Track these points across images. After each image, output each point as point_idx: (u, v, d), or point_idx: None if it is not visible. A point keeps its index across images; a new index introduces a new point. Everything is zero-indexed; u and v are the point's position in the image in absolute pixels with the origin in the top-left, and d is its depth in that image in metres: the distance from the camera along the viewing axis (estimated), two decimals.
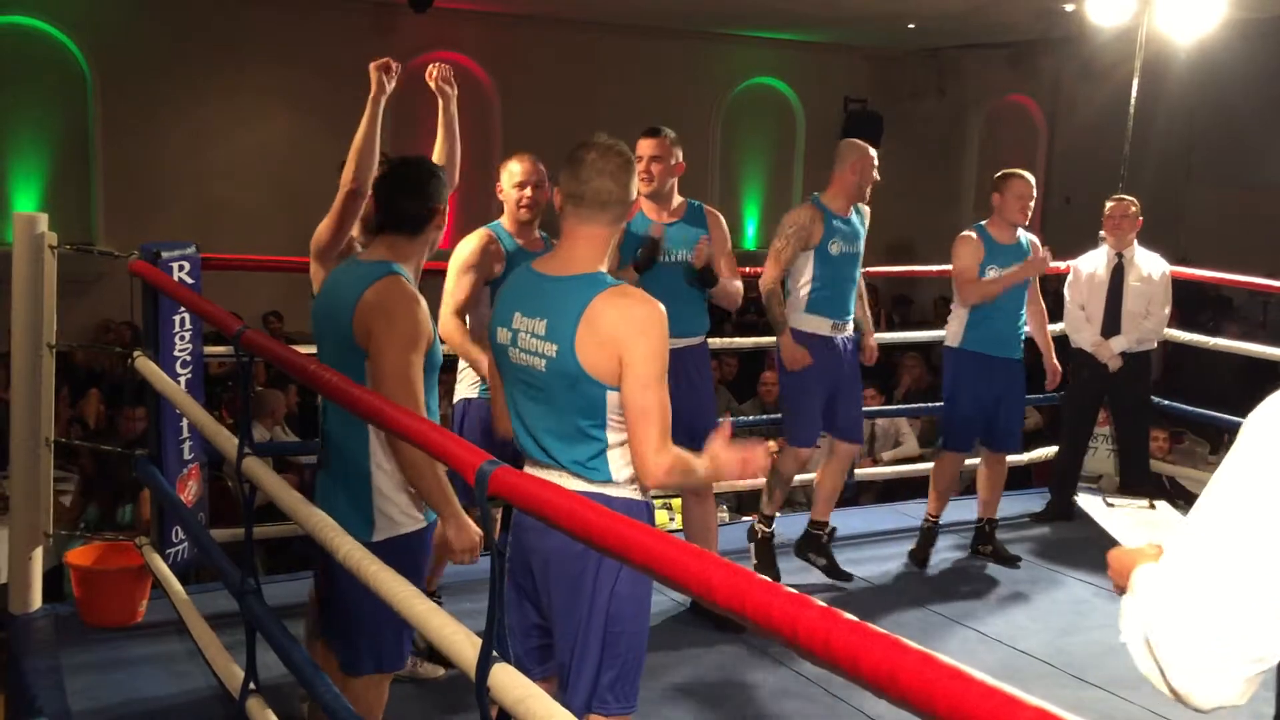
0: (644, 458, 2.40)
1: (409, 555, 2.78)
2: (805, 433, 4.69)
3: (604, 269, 2.50)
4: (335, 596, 2.86)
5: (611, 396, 2.41)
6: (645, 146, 4.11)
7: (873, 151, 4.64)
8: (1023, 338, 5.07)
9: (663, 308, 2.43)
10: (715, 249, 4.19)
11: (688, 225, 4.19)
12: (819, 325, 4.58)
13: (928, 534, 5.14)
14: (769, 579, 1.37)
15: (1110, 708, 3.80)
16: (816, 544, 4.85)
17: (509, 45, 11.96)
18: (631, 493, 2.48)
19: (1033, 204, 4.84)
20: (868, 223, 4.78)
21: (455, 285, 3.83)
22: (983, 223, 4.99)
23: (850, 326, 4.71)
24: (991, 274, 4.89)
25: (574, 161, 2.49)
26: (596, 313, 2.37)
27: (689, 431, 4.13)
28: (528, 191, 3.90)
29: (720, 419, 3.99)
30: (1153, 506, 1.85)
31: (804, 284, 4.57)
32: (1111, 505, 2.05)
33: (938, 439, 5.35)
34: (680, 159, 4.16)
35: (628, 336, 2.36)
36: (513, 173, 3.94)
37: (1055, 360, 5.29)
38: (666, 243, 4.06)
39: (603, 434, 2.44)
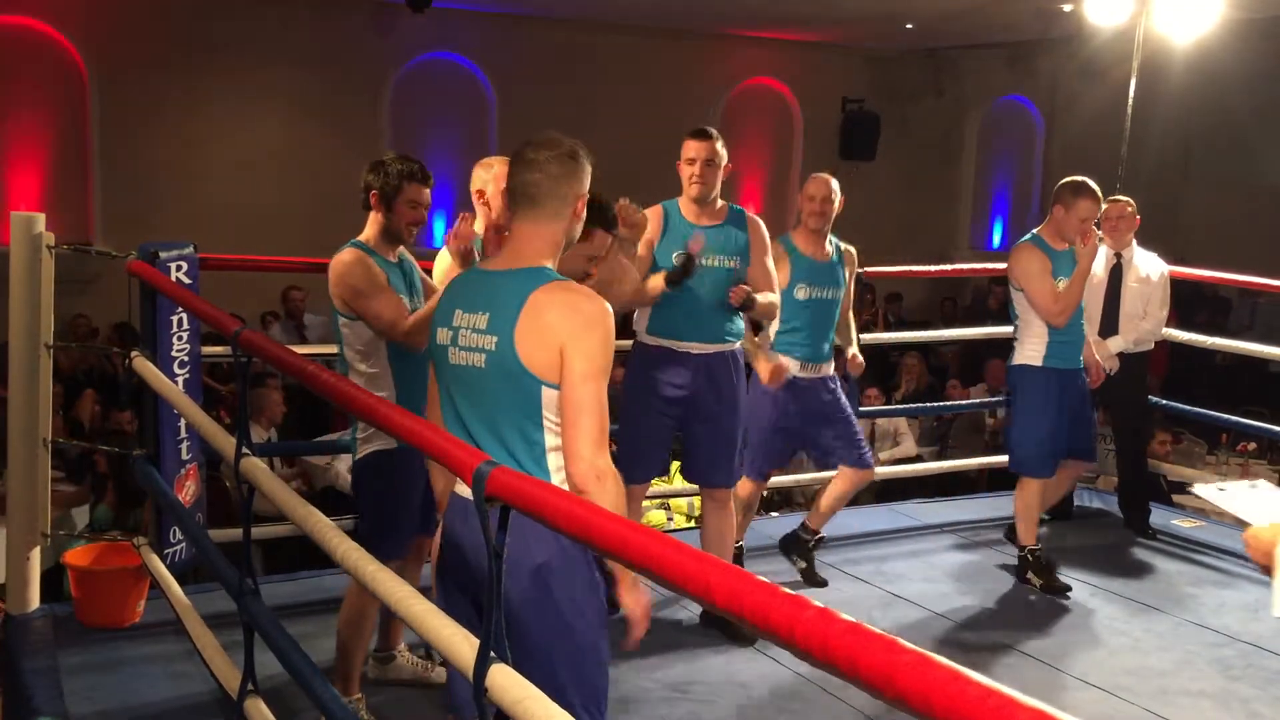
0: (578, 452, 2.31)
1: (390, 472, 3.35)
2: (757, 465, 4.57)
3: (551, 264, 2.46)
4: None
5: (548, 394, 2.35)
6: (696, 149, 3.97)
7: (823, 180, 4.45)
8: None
9: (608, 304, 2.41)
10: (753, 257, 4.10)
11: (728, 229, 4.08)
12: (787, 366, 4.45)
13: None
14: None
15: (1109, 708, 3.80)
16: (802, 547, 4.80)
17: (507, 45, 11.95)
18: None
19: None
20: (854, 267, 4.61)
21: None
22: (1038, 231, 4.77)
23: (826, 366, 4.56)
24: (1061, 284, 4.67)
25: (512, 158, 2.51)
26: (538, 305, 2.34)
27: (727, 437, 4.10)
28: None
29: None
30: (1254, 486, 1.83)
31: (772, 324, 4.46)
32: (1223, 490, 1.99)
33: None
34: (728, 160, 4.05)
35: (571, 331, 2.33)
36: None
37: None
38: (704, 248, 3.96)
39: (539, 435, 2.38)
